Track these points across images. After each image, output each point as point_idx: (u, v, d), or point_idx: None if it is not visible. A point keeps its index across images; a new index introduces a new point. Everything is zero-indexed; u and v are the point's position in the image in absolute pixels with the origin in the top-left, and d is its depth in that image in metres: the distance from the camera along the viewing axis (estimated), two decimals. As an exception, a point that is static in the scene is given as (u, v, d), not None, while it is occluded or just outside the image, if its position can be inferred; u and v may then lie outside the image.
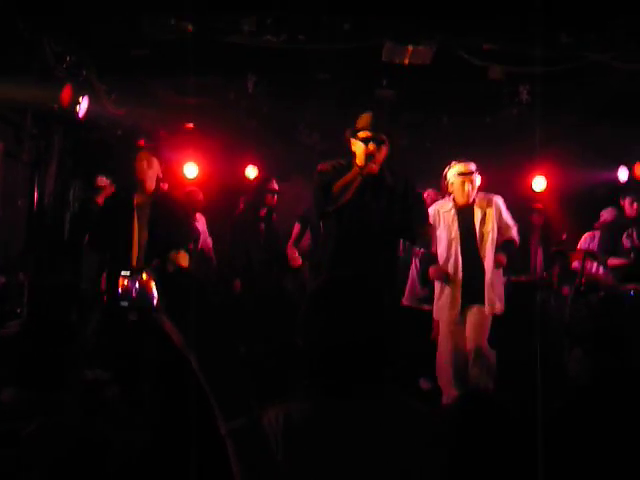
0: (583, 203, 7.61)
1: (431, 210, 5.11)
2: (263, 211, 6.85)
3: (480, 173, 5.09)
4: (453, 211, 5.06)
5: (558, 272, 6.51)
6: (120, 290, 1.19)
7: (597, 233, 6.73)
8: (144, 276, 1.19)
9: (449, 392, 4.97)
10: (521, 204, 7.30)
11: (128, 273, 1.20)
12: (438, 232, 5.07)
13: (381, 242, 4.24)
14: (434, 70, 5.67)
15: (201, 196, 7.07)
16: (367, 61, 5.77)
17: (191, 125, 7.53)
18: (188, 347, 1.22)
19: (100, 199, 6.03)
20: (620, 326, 5.13)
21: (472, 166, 5.01)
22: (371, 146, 4.19)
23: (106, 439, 1.83)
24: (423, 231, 4.47)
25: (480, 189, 5.24)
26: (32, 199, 6.79)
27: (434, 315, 5.17)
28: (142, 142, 4.98)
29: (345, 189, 4.17)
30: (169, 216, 5.05)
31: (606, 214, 6.78)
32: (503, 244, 5.07)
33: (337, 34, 5.20)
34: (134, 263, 4.88)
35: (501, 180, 7.26)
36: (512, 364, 4.94)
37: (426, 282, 5.76)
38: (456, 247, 5.01)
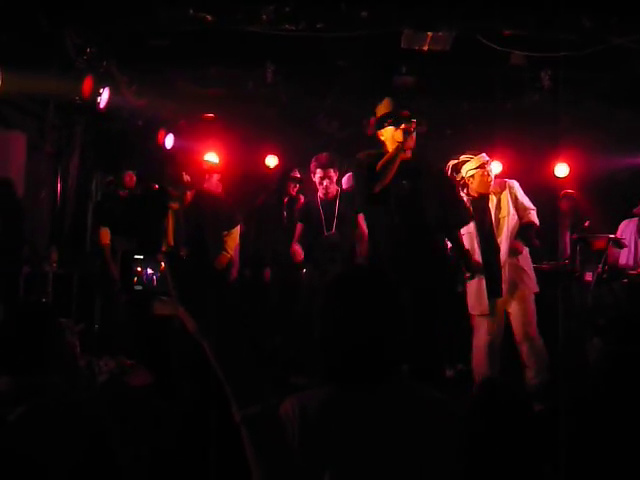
0: (606, 189, 7.52)
1: None
2: (285, 199, 6.87)
3: (501, 160, 5.06)
4: (468, 205, 5.00)
5: (580, 259, 6.43)
6: (134, 275, 1.20)
7: (634, 219, 6.56)
8: (157, 261, 1.20)
9: None
10: (545, 191, 7.24)
11: (142, 257, 1.21)
12: None
13: (431, 230, 4.25)
14: (454, 56, 5.63)
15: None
16: (386, 48, 5.74)
17: (211, 115, 7.56)
18: (201, 334, 1.22)
19: (125, 194, 6.30)
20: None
21: (485, 156, 4.97)
22: (405, 125, 4.18)
23: (104, 425, 1.84)
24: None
25: (502, 176, 5.14)
26: (55, 190, 6.87)
27: (469, 310, 5.11)
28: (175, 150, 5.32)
29: (387, 167, 4.16)
30: (209, 207, 5.33)
31: None
32: (521, 229, 5.00)
33: (355, 22, 5.17)
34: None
35: (523, 167, 7.21)
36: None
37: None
38: (476, 241, 4.95)
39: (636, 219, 6.55)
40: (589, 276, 6.30)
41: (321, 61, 6.24)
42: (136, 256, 1.22)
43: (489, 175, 4.94)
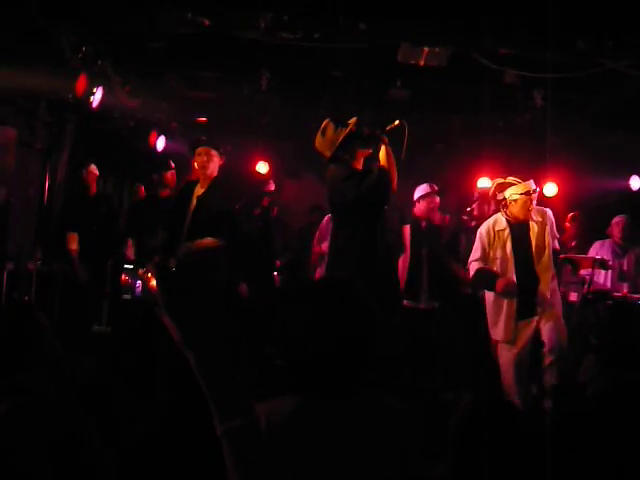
0: (594, 211, 7.57)
1: (484, 228, 5.07)
2: (257, 211, 6.83)
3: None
4: (507, 229, 5.00)
5: (565, 279, 6.46)
6: (122, 283, 1.19)
7: (607, 241, 6.66)
8: (145, 271, 1.19)
9: None
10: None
11: (131, 267, 1.20)
12: (492, 251, 5.03)
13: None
14: (449, 72, 5.65)
15: None
16: (382, 61, 5.76)
17: (203, 119, 7.54)
18: (186, 346, 1.21)
19: (165, 192, 6.30)
20: (636, 336, 5.10)
21: (533, 184, 4.96)
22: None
23: (85, 421, 1.83)
24: None
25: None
26: (43, 188, 6.83)
27: (492, 336, 5.03)
28: (202, 137, 5.08)
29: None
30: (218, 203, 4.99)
31: None
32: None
33: (353, 33, 5.18)
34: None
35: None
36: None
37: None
38: (511, 266, 4.93)
39: (610, 240, 6.61)
40: (573, 296, 6.33)
41: (316, 71, 6.25)
42: (125, 266, 1.21)
43: (531, 204, 4.93)
